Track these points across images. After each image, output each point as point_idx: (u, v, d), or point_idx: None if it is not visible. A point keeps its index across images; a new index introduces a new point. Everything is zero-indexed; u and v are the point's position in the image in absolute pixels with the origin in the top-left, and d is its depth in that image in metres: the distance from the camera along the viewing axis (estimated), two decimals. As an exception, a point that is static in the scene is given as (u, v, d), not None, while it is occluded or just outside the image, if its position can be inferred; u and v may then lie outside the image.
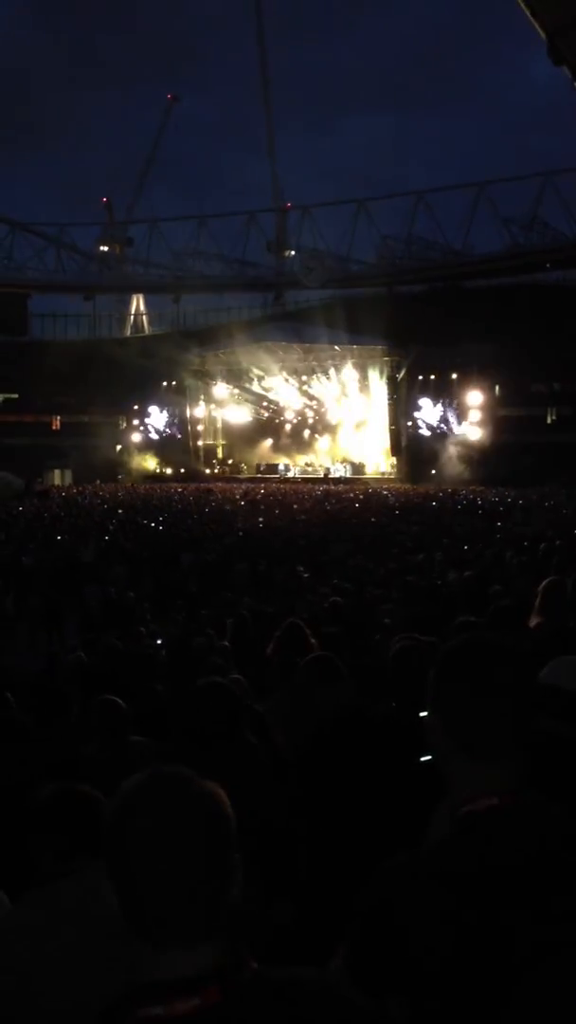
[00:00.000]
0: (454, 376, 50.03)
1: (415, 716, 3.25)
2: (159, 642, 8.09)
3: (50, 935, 2.02)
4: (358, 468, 49.93)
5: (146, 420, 57.18)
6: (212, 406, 55.67)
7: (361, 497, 35.05)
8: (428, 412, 50.99)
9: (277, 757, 3.27)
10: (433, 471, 47.78)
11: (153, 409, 57.07)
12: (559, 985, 1.29)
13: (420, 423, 50.81)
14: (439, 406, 50.86)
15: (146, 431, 57.08)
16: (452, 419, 50.71)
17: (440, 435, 50.18)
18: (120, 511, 27.62)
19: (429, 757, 2.84)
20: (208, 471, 54.33)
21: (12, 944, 2.03)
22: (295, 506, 29.96)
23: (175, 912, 1.23)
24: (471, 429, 49.11)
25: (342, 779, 2.81)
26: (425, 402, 50.73)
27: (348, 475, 48.83)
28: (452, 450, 48.03)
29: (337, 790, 2.79)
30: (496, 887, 1.34)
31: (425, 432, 50.65)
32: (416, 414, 50.50)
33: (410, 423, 50.30)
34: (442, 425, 50.88)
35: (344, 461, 50.64)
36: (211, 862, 1.25)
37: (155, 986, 1.22)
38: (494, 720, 1.47)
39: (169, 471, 54.19)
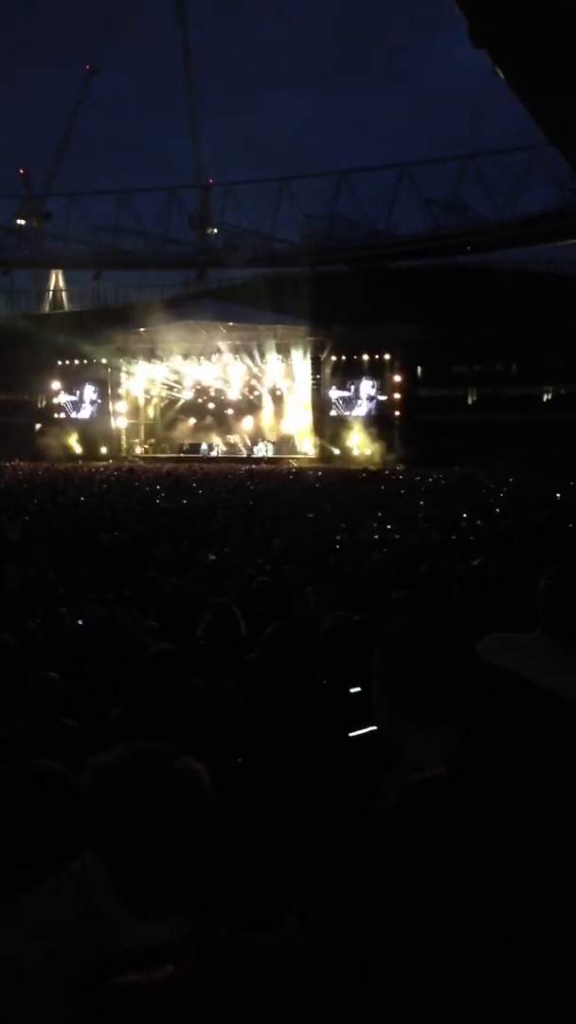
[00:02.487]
0: (377, 356, 50.36)
1: (346, 692, 3.28)
2: (80, 623, 7.99)
3: (15, 952, 1.86)
4: (281, 448, 50.02)
5: (66, 398, 56.26)
6: (133, 385, 55.03)
7: (285, 477, 35.14)
8: (351, 392, 51.27)
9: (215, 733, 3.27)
10: (354, 451, 48.13)
11: (73, 388, 56.17)
12: (510, 945, 1.34)
13: (340, 403, 51.08)
14: (362, 387, 51.18)
15: (66, 410, 56.18)
16: (372, 399, 51.08)
17: (363, 415, 50.53)
18: (42, 490, 27.18)
19: (359, 732, 2.89)
20: (130, 451, 53.78)
21: None
22: (218, 486, 29.88)
23: (163, 883, 1.26)
24: (394, 409, 49.53)
25: (279, 756, 2.82)
26: (348, 382, 51.01)
27: (271, 455, 48.89)
28: (372, 430, 48.45)
29: (274, 767, 2.80)
30: (444, 852, 1.41)
31: (345, 412, 50.92)
32: (336, 394, 50.74)
33: (332, 403, 50.55)
34: (362, 405, 51.22)
35: (267, 441, 50.68)
36: (195, 833, 1.28)
37: (132, 954, 1.25)
38: (439, 694, 1.55)
39: (90, 451, 53.45)
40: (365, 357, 50.18)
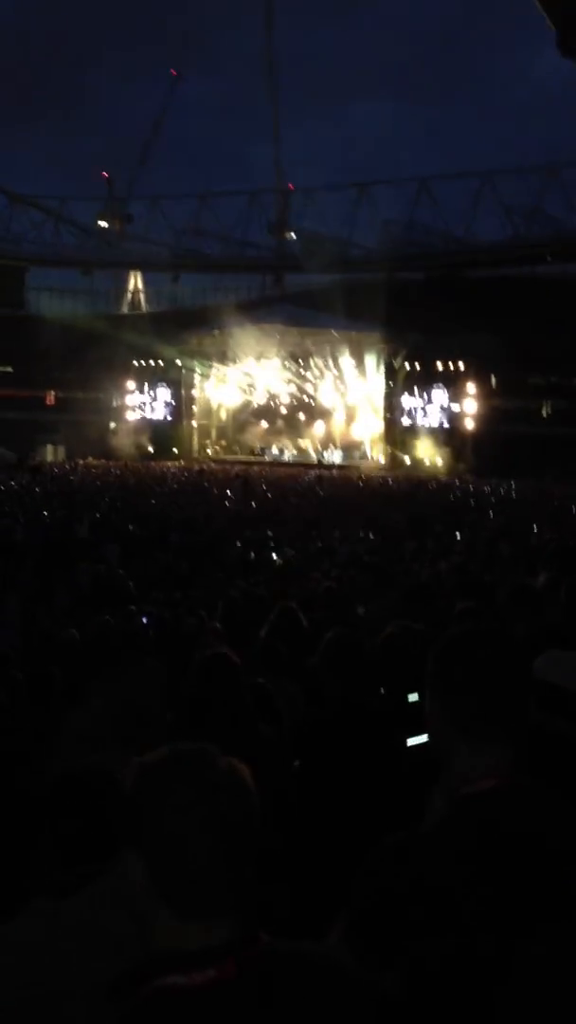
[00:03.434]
0: (451, 366, 49.94)
1: (404, 701, 3.27)
2: (145, 621, 8.08)
3: (62, 958, 1.86)
4: (351, 454, 49.90)
5: (140, 399, 56.97)
6: (208, 387, 55.47)
7: (355, 483, 35.07)
8: (423, 401, 50.91)
9: (278, 736, 3.28)
10: (424, 460, 47.79)
11: (148, 388, 56.87)
12: (556, 962, 1.33)
13: (412, 411, 50.74)
14: (435, 395, 50.78)
15: (140, 410, 56.89)
16: (444, 408, 50.65)
17: (435, 425, 50.13)
18: (113, 489, 27.58)
19: (417, 740, 2.88)
20: (201, 452, 54.22)
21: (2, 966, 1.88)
22: (287, 490, 29.95)
23: (204, 885, 1.27)
24: (467, 419, 49.05)
25: (336, 763, 2.83)
26: (420, 390, 50.65)
27: (341, 461, 48.80)
28: (443, 440, 48.02)
29: (331, 774, 2.80)
30: (493, 865, 1.39)
31: (417, 421, 50.57)
32: (408, 402, 50.41)
33: (404, 411, 50.26)
34: (434, 414, 50.80)
35: (338, 447, 50.60)
36: (238, 837, 1.29)
37: (175, 956, 1.26)
38: (492, 706, 1.53)
39: (162, 451, 54.02)
40: (439, 366, 49.73)
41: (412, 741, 2.88)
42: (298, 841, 2.58)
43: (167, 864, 1.27)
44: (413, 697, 3.20)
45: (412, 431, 49.76)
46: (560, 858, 1.40)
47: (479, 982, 1.34)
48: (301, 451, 52.15)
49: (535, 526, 17.17)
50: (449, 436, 48.34)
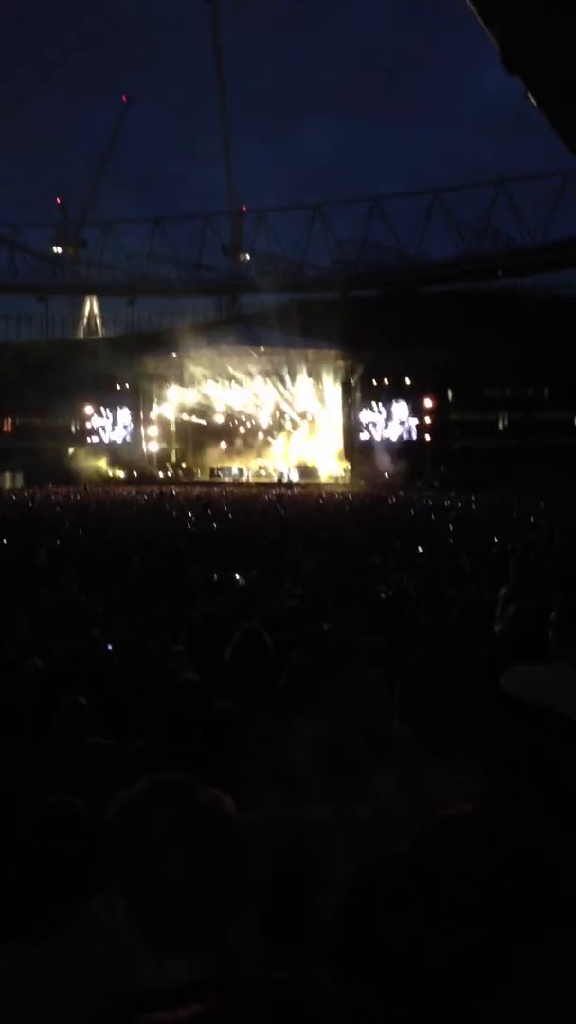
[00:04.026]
0: (408, 381, 50.37)
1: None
2: (110, 647, 8.00)
3: (44, 1003, 1.82)
4: (311, 472, 50.08)
5: (98, 423, 56.74)
6: (165, 409, 55.42)
7: (315, 501, 35.15)
8: (382, 416, 51.28)
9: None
10: (384, 475, 48.08)
11: (106, 412, 56.67)
12: (536, 983, 1.32)
13: (370, 427, 51.08)
14: (393, 411, 51.18)
15: (98, 434, 56.66)
16: (402, 423, 51.06)
17: (393, 439, 50.49)
18: (73, 514, 27.37)
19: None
20: (161, 475, 54.11)
21: None
22: (248, 509, 29.92)
23: (185, 919, 1.25)
24: (425, 433, 49.47)
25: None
26: (378, 406, 51.02)
27: (301, 479, 48.96)
28: (402, 454, 48.38)
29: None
30: (472, 889, 1.37)
31: (375, 437, 50.91)
32: (366, 418, 50.74)
33: (362, 428, 50.58)
34: (392, 429, 51.20)
35: (298, 465, 50.77)
36: (219, 870, 1.27)
37: (158, 992, 1.24)
38: (460, 726, 1.52)
39: (122, 474, 53.81)
40: (396, 381, 50.18)
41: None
42: (267, 868, 2.55)
43: (147, 898, 1.25)
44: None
45: (371, 446, 50.06)
46: (544, 876, 1.39)
47: (467, 1007, 1.33)
48: (261, 470, 52.23)
49: (495, 538, 17.30)
50: (407, 450, 48.70)
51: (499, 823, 1.45)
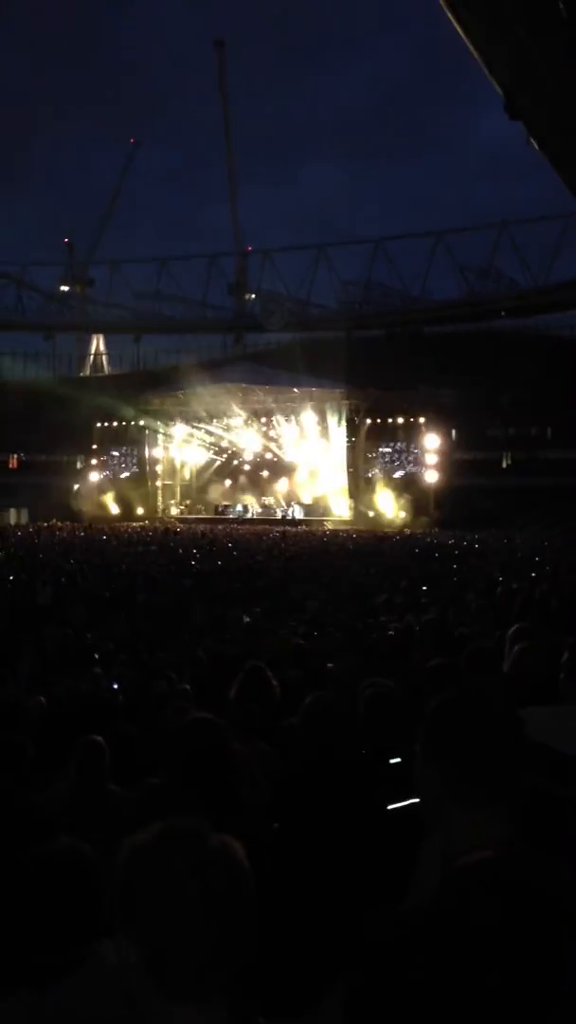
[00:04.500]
0: (412, 420, 50.57)
1: (386, 763, 3.24)
2: (115, 686, 7.98)
3: None
4: (316, 510, 50.11)
5: (104, 460, 56.94)
6: (171, 446, 55.61)
7: (319, 539, 35.13)
8: (385, 455, 51.45)
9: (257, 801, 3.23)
10: (388, 514, 48.09)
11: (111, 449, 56.89)
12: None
13: (374, 465, 51.21)
14: (396, 449, 51.35)
15: (103, 471, 56.83)
16: (406, 462, 51.20)
17: (397, 478, 50.58)
18: (78, 550, 27.38)
19: (398, 805, 2.85)
20: (166, 512, 54.16)
21: None
22: (253, 547, 29.91)
23: (196, 966, 1.23)
24: (429, 472, 49.56)
25: (314, 827, 2.78)
26: (382, 445, 51.21)
27: (305, 516, 48.97)
28: (406, 493, 48.42)
29: (309, 838, 2.76)
30: (492, 943, 1.33)
31: (380, 475, 51.02)
32: (370, 456, 50.89)
33: (366, 466, 50.70)
34: (396, 468, 51.33)
35: (302, 503, 50.81)
36: (230, 916, 1.26)
37: None
38: (486, 773, 1.50)
39: (127, 512, 53.87)
40: (400, 420, 50.36)
41: (393, 806, 2.83)
42: (278, 912, 2.51)
43: (158, 945, 1.24)
44: (395, 760, 3.16)
45: (374, 485, 50.12)
46: (566, 925, 1.34)
47: None
48: (265, 508, 52.25)
49: (500, 577, 17.27)
50: (411, 489, 48.75)
51: (520, 870, 1.42)
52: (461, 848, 1.47)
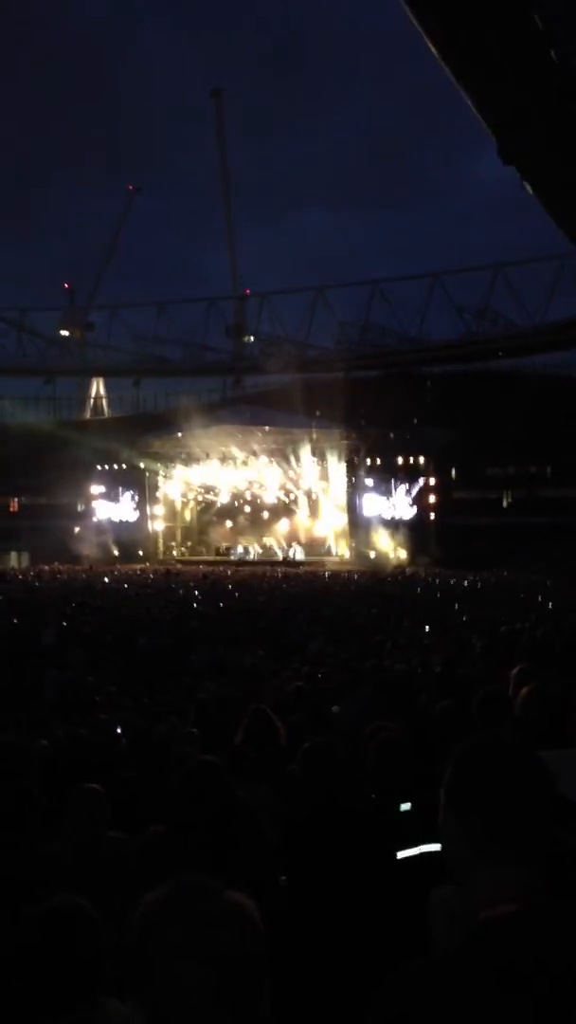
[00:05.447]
0: (411, 460, 50.72)
1: (395, 809, 3.20)
2: (119, 730, 7.92)
3: None
4: (316, 550, 50.07)
5: (104, 502, 57.01)
6: (171, 489, 55.72)
7: (321, 579, 35.07)
8: (386, 495, 51.52)
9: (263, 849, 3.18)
10: (389, 554, 48.05)
11: (112, 492, 56.98)
12: None
13: (374, 506, 51.27)
14: (396, 489, 51.45)
15: (104, 514, 56.88)
16: (406, 502, 51.27)
17: (398, 518, 50.62)
18: (79, 594, 27.32)
19: (407, 853, 2.81)
20: (167, 554, 54.10)
21: None
22: (254, 588, 29.86)
23: None
24: (429, 512, 49.60)
25: (324, 877, 2.73)
26: (382, 485, 51.29)
27: (306, 557, 48.92)
28: (406, 533, 48.45)
29: (319, 889, 2.71)
30: (516, 998, 1.31)
31: (380, 515, 51.06)
32: (370, 496, 50.96)
33: (366, 506, 50.76)
34: (396, 508, 51.38)
35: (302, 544, 50.79)
36: (239, 974, 1.24)
37: None
38: (513, 827, 1.44)
39: (128, 554, 53.83)
40: (399, 460, 50.51)
41: (402, 854, 2.77)
42: (290, 965, 2.45)
43: (167, 1003, 1.21)
44: (405, 806, 3.11)
45: (375, 525, 50.12)
46: None
47: None
48: (266, 549, 52.21)
49: (503, 617, 17.21)
50: (412, 529, 48.76)
51: (544, 923, 1.38)
52: (483, 900, 1.42)
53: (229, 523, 54.75)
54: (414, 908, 1.95)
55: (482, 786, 1.48)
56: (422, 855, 2.43)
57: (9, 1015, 1.96)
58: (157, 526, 55.50)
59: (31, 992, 1.91)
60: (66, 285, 75.12)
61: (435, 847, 1.56)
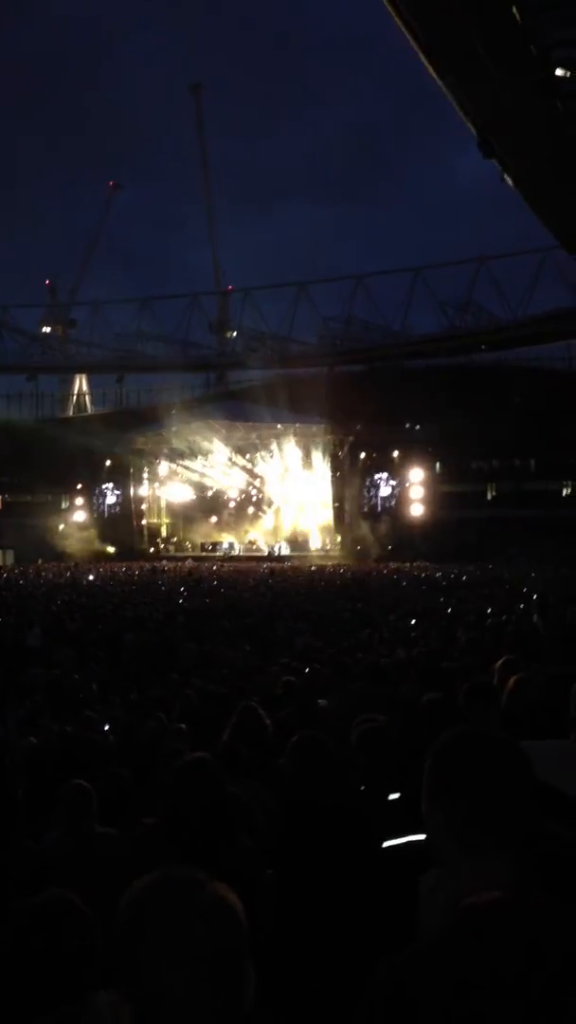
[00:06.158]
0: (395, 454, 50.80)
1: (383, 799, 3.22)
2: (107, 727, 7.91)
3: None
4: (302, 545, 50.13)
5: (89, 499, 56.89)
6: (156, 485, 55.67)
7: (307, 574, 35.10)
8: (370, 489, 51.65)
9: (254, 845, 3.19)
10: (374, 547, 48.15)
11: (96, 488, 56.87)
12: None
13: (358, 500, 51.38)
14: (381, 483, 51.59)
15: (89, 510, 56.75)
16: (391, 496, 51.43)
17: (382, 512, 50.74)
18: (64, 591, 27.23)
19: (394, 842, 2.83)
20: (152, 550, 54.05)
21: None
22: (239, 584, 29.87)
23: (194, 1020, 1.21)
24: (414, 505, 49.74)
25: (313, 871, 2.75)
26: (367, 479, 51.42)
27: (291, 552, 48.97)
28: (391, 527, 48.56)
29: (308, 882, 2.72)
30: (502, 983, 1.33)
31: (364, 509, 51.17)
32: (355, 491, 51.07)
33: (350, 500, 50.84)
34: (384, 502, 51.52)
35: (288, 539, 50.83)
36: (225, 968, 1.23)
37: None
38: (494, 817, 1.46)
39: (113, 550, 53.73)
40: (384, 454, 50.63)
41: (388, 843, 2.79)
42: (280, 956, 2.47)
43: (152, 1001, 1.21)
44: (393, 796, 3.14)
45: (360, 519, 50.22)
46: (569, 973, 1.32)
47: None
48: (251, 544, 52.24)
49: (489, 609, 17.28)
50: (397, 523, 48.87)
51: (529, 913, 1.39)
52: (469, 889, 1.43)
53: (214, 518, 54.76)
54: (403, 897, 1.96)
55: (461, 777, 1.49)
56: (410, 844, 2.44)
57: (3, 1010, 1.96)
58: (142, 522, 55.43)
59: (21, 986, 1.92)
60: (47, 282, 74.84)
61: (423, 836, 1.57)
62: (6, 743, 6.95)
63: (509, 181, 13.64)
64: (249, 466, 52.52)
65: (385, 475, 51.81)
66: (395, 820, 2.83)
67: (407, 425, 49.75)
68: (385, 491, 51.82)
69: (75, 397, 72.22)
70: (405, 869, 2.18)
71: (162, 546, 55.31)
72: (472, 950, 1.36)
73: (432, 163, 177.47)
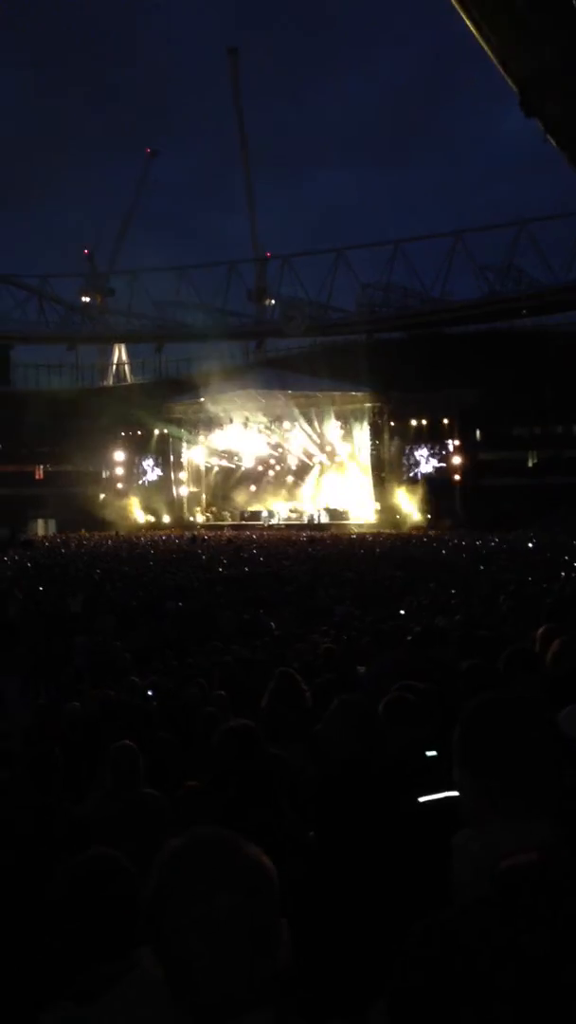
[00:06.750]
0: (435, 421, 50.40)
1: (419, 757, 3.23)
2: (150, 693, 8.01)
3: None
4: (341, 514, 50.08)
5: (129, 468, 57.21)
6: (195, 454, 55.81)
7: (347, 542, 35.10)
8: (410, 457, 51.36)
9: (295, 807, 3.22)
10: (414, 515, 47.95)
11: (136, 458, 57.16)
12: None
13: (399, 468, 51.11)
14: (421, 451, 51.26)
15: (129, 479, 57.10)
16: (431, 464, 51.09)
17: (422, 480, 50.47)
18: (106, 560, 27.51)
19: (431, 797, 2.84)
20: (192, 519, 54.33)
21: None
22: (279, 552, 29.94)
23: (224, 983, 1.21)
24: (454, 473, 49.40)
25: (353, 832, 2.77)
26: (406, 447, 51.10)
27: (330, 521, 48.95)
28: (432, 495, 48.27)
29: (348, 845, 2.74)
30: (542, 944, 1.33)
31: (404, 477, 50.92)
32: (395, 459, 50.80)
33: (391, 468, 50.60)
34: (421, 470, 51.22)
35: (327, 507, 50.79)
36: (259, 931, 1.23)
37: None
38: (524, 780, 1.47)
39: (153, 519, 54.11)
40: (424, 422, 50.27)
41: (424, 798, 2.81)
42: (318, 917, 2.49)
43: (184, 961, 1.21)
44: (431, 753, 3.15)
45: (400, 487, 50.00)
46: None
47: None
48: (291, 512, 52.28)
49: (530, 577, 17.18)
50: (437, 491, 48.59)
51: (565, 874, 1.40)
52: (504, 852, 1.44)
53: (253, 487, 54.84)
54: (436, 853, 1.97)
55: (489, 741, 1.51)
56: (446, 799, 2.45)
57: (46, 965, 2.01)
58: (182, 491, 55.70)
59: (67, 942, 1.97)
60: (86, 251, 74.78)
61: (457, 793, 1.59)
62: (48, 708, 7.07)
63: (552, 141, 13.34)
64: (288, 434, 52.41)
65: (425, 443, 51.44)
66: (431, 777, 2.84)
67: (447, 392, 49.22)
68: (424, 459, 51.48)
69: (114, 367, 72.33)
70: (440, 825, 2.20)
71: (202, 515, 55.55)
72: (513, 910, 1.37)
73: (473, 124, 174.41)
